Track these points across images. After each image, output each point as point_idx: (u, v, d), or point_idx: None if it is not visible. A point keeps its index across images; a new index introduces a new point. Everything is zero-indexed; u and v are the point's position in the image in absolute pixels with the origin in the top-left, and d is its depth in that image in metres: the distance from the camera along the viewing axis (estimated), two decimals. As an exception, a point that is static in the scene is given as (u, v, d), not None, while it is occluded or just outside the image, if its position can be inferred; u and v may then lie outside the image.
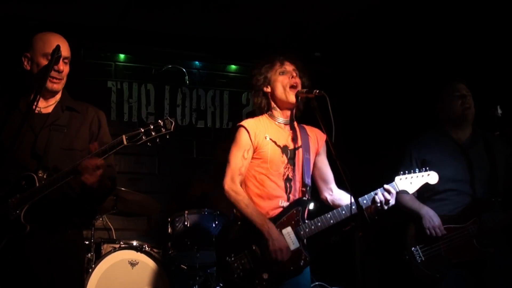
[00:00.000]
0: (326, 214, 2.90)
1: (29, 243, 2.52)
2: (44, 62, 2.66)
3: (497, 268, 3.30)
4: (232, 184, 2.91)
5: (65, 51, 2.68)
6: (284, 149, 3.00)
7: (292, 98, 3.00)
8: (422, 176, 3.05)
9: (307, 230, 2.88)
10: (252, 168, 2.99)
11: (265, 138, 2.98)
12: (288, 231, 2.88)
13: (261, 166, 2.97)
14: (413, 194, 3.45)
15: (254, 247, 2.82)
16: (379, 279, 5.11)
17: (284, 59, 3.06)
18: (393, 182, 2.98)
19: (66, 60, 2.71)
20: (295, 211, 2.91)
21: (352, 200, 2.58)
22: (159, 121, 2.40)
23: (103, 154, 2.45)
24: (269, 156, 2.96)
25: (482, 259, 3.31)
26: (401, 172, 3.02)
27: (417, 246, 3.40)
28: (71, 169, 2.47)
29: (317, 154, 3.15)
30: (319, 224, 2.89)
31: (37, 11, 4.67)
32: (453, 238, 3.36)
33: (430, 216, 3.39)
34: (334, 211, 2.90)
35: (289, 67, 3.05)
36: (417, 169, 3.08)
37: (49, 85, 2.65)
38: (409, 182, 3.01)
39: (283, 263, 2.81)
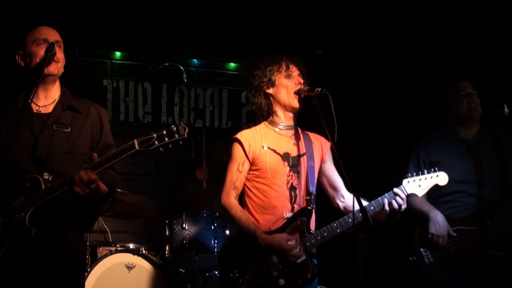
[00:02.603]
0: (332, 223, 2.87)
1: (32, 246, 2.52)
2: (35, 48, 2.68)
3: (508, 271, 3.29)
4: (226, 198, 2.93)
5: (54, 36, 2.73)
6: (285, 156, 2.97)
7: (295, 103, 2.98)
8: (431, 177, 2.99)
9: (313, 241, 2.85)
10: (253, 180, 2.97)
11: (262, 147, 2.96)
12: (293, 243, 2.84)
13: (261, 176, 2.94)
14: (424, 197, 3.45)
15: (259, 262, 2.80)
16: (382, 282, 5.10)
17: (290, 63, 3.03)
18: (401, 186, 2.93)
19: (58, 44, 2.71)
20: (299, 222, 2.87)
21: (355, 201, 2.57)
22: (172, 126, 2.42)
23: (114, 159, 2.45)
24: (269, 165, 2.93)
25: (493, 263, 3.30)
26: (409, 175, 2.97)
27: (426, 247, 3.39)
28: (68, 179, 2.47)
29: (322, 161, 3.11)
30: (325, 234, 2.86)
31: (31, 7, 4.67)
32: (464, 240, 3.34)
33: (438, 221, 3.36)
34: (341, 219, 2.87)
35: (295, 72, 3.02)
36: (425, 170, 3.03)
37: (45, 69, 2.64)
38: (417, 185, 2.96)
39: (289, 277, 2.79)
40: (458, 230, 3.36)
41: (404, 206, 2.86)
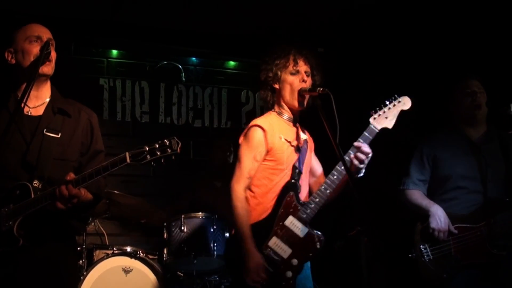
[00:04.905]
0: (320, 187, 2.89)
1: (21, 253, 2.52)
2: (27, 46, 2.66)
3: None
4: (236, 186, 2.91)
5: (47, 33, 2.73)
6: (297, 148, 3.01)
7: (296, 103, 3.01)
8: (394, 105, 2.96)
9: (308, 211, 2.88)
10: (264, 171, 2.97)
11: (280, 138, 2.97)
12: (290, 220, 2.88)
13: (277, 168, 2.95)
14: (423, 193, 3.56)
15: (265, 252, 2.83)
16: (385, 286, 5.10)
17: (299, 57, 3.03)
18: (370, 125, 2.90)
19: (51, 42, 2.70)
20: (288, 198, 2.90)
21: (357, 199, 2.59)
22: (165, 140, 2.42)
23: (104, 171, 2.45)
24: (286, 158, 2.95)
25: (494, 262, 3.31)
26: (373, 111, 2.93)
27: (426, 244, 3.41)
28: (49, 193, 2.48)
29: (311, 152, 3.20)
30: (318, 200, 2.88)
31: (25, 4, 4.67)
32: (465, 238, 3.36)
33: (439, 216, 3.39)
34: (327, 180, 2.87)
35: (302, 67, 3.03)
36: (387, 101, 2.97)
37: (39, 69, 2.62)
38: (384, 117, 2.93)
39: (300, 254, 2.84)
40: (460, 227, 3.39)
41: (370, 153, 2.85)
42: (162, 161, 2.42)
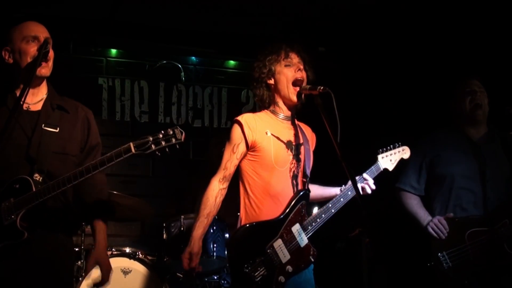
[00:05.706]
0: (327, 204, 3.02)
1: (23, 248, 2.53)
2: (24, 46, 2.67)
3: None
4: (213, 177, 2.99)
5: (44, 32, 2.73)
6: (288, 144, 3.03)
7: (293, 97, 3.02)
8: (399, 152, 3.28)
9: (313, 224, 2.97)
10: (252, 166, 3.01)
11: (266, 133, 3.00)
12: (297, 228, 2.94)
13: (265, 163, 2.98)
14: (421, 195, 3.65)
15: (268, 251, 2.86)
16: (387, 287, 5.10)
17: (290, 51, 3.07)
18: (378, 163, 3.20)
19: (48, 41, 2.70)
20: (300, 206, 2.97)
21: (360, 200, 2.63)
22: (169, 130, 2.44)
23: (109, 162, 2.46)
24: (273, 152, 2.98)
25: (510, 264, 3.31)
26: (380, 150, 3.22)
27: (444, 252, 3.40)
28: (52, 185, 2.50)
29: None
30: (323, 215, 3.00)
31: (23, 3, 4.66)
32: (482, 242, 3.36)
33: (435, 224, 3.45)
34: (334, 200, 3.03)
35: (295, 59, 3.06)
36: (391, 145, 3.27)
37: (37, 71, 2.63)
38: (389, 160, 3.24)
39: (295, 263, 2.88)
40: (474, 232, 3.38)
41: (374, 187, 3.11)
42: (167, 150, 2.44)
